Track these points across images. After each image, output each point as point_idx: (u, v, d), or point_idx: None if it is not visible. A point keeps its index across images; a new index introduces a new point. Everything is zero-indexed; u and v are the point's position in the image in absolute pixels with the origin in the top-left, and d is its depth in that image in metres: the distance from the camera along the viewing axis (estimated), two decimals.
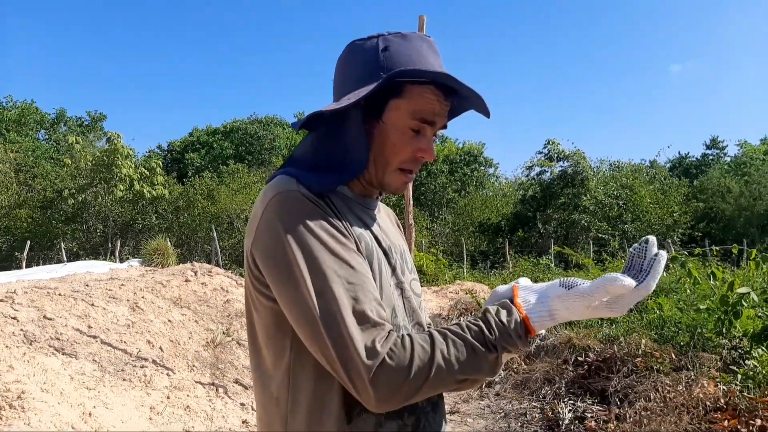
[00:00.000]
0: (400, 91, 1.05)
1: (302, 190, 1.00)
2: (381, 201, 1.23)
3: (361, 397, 0.92)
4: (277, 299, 0.98)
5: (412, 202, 6.61)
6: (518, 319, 0.98)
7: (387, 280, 1.08)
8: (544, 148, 25.74)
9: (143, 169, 24.83)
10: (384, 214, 1.26)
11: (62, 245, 20.07)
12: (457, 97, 1.12)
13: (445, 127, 1.12)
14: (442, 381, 0.93)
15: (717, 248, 6.07)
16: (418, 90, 1.05)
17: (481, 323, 0.98)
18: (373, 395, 0.90)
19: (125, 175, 23.09)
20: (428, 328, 1.32)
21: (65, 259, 17.23)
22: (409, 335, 0.95)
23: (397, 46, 1.07)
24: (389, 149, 1.08)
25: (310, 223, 0.97)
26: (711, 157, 43.11)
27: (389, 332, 0.94)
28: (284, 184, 1.01)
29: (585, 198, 23.55)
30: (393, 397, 0.91)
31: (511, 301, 1.03)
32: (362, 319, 0.93)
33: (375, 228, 1.13)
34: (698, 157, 43.62)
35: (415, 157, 1.09)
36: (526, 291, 1.05)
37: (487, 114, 1.13)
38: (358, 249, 1.02)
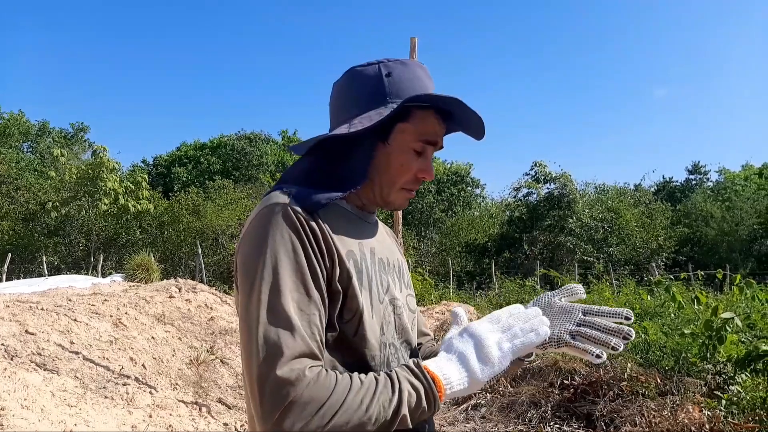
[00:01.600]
0: (406, 115, 1.11)
1: (293, 205, 1.00)
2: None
3: (257, 421, 0.88)
4: (238, 302, 0.99)
5: (401, 221, 6.63)
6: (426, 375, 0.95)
7: (378, 295, 1.09)
8: (531, 170, 26.03)
9: (128, 183, 24.62)
10: (382, 228, 1.28)
11: (44, 258, 19.77)
12: (450, 120, 1.18)
13: (441, 147, 1.18)
14: (344, 420, 0.87)
15: (702, 273, 6.15)
16: (422, 114, 1.12)
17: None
18: (264, 423, 0.86)
19: (110, 188, 22.86)
20: (424, 342, 1.33)
21: (46, 272, 16.97)
22: (334, 373, 0.91)
23: (400, 72, 1.13)
24: (395, 170, 1.12)
25: (288, 241, 0.97)
26: (694, 182, 43.69)
27: (313, 367, 0.90)
28: (276, 198, 1.02)
29: (571, 220, 23.74)
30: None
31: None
32: (294, 348, 0.89)
33: (372, 241, 1.15)
34: (682, 182, 44.18)
35: (417, 176, 1.14)
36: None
37: (481, 136, 1.17)
38: (342, 272, 1.01)
